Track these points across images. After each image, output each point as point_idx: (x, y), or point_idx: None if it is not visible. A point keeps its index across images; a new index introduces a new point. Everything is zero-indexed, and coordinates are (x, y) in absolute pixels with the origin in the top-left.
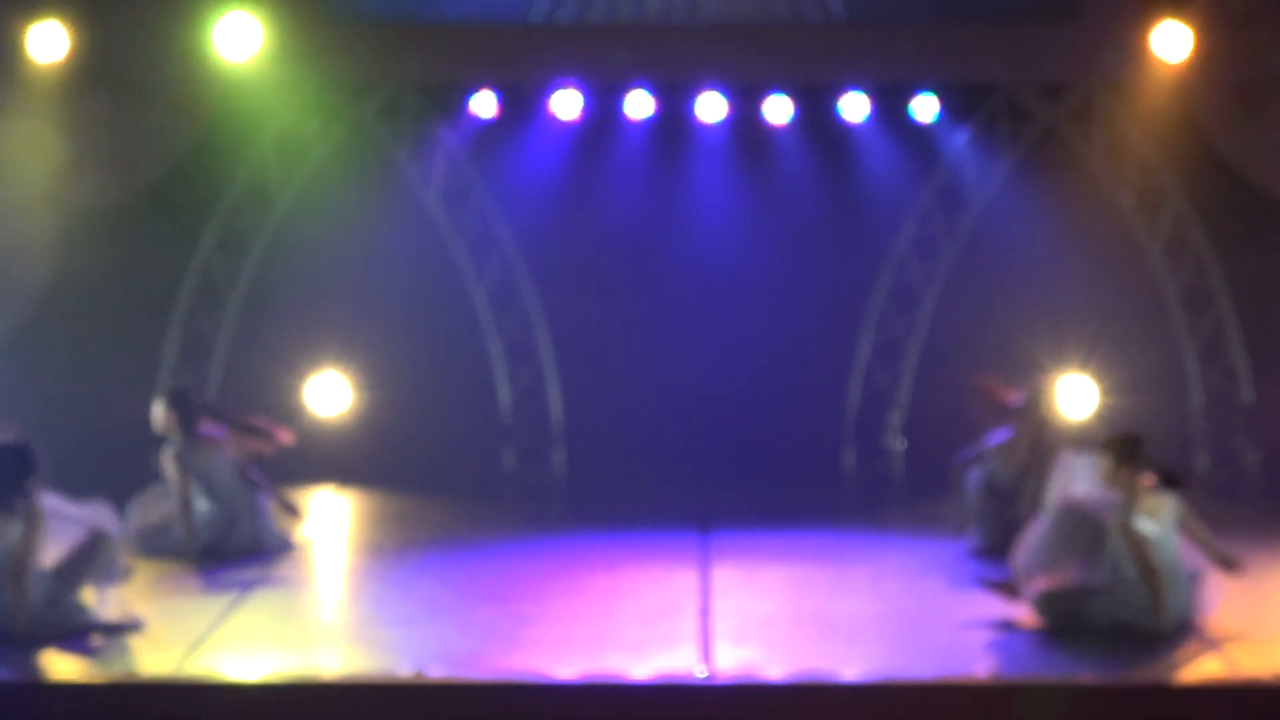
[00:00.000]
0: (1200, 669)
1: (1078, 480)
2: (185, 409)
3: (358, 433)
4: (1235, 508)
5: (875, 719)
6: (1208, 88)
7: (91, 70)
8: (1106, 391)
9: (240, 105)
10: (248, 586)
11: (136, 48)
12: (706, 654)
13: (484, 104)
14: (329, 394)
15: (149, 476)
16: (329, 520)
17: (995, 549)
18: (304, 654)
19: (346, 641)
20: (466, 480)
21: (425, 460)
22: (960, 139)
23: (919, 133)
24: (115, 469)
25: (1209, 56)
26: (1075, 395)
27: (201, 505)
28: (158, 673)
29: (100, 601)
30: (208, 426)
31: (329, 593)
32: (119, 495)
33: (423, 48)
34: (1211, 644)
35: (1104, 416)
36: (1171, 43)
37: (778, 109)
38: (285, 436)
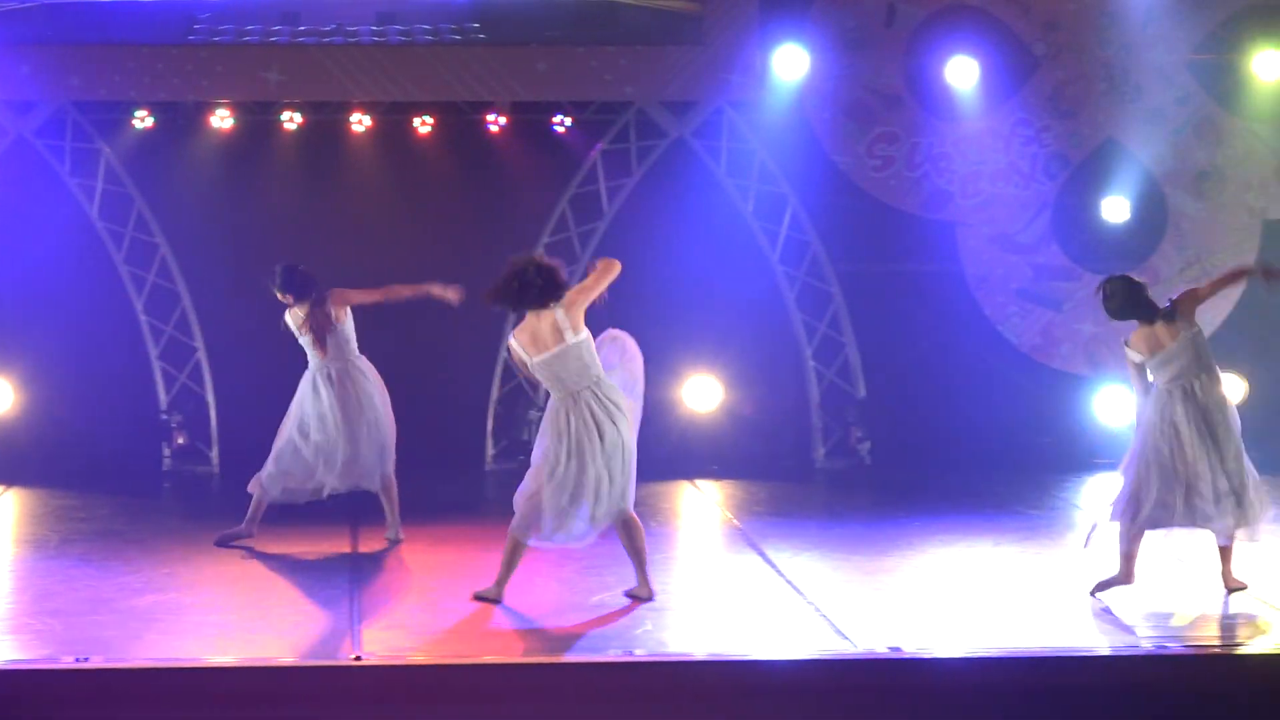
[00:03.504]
0: None
1: None
2: None
3: (20, 432)
4: (853, 496)
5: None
6: (820, 105)
7: None
8: (730, 388)
9: None
10: None
11: None
12: (356, 638)
13: (142, 118)
14: None
15: None
16: None
17: None
18: None
19: (8, 633)
20: (126, 477)
21: (86, 458)
22: (594, 151)
23: (555, 144)
24: None
25: (823, 77)
26: (702, 392)
27: None
28: None
29: None
30: None
31: None
32: None
33: (85, 67)
34: None
35: (730, 411)
36: (789, 64)
37: (423, 121)
38: None
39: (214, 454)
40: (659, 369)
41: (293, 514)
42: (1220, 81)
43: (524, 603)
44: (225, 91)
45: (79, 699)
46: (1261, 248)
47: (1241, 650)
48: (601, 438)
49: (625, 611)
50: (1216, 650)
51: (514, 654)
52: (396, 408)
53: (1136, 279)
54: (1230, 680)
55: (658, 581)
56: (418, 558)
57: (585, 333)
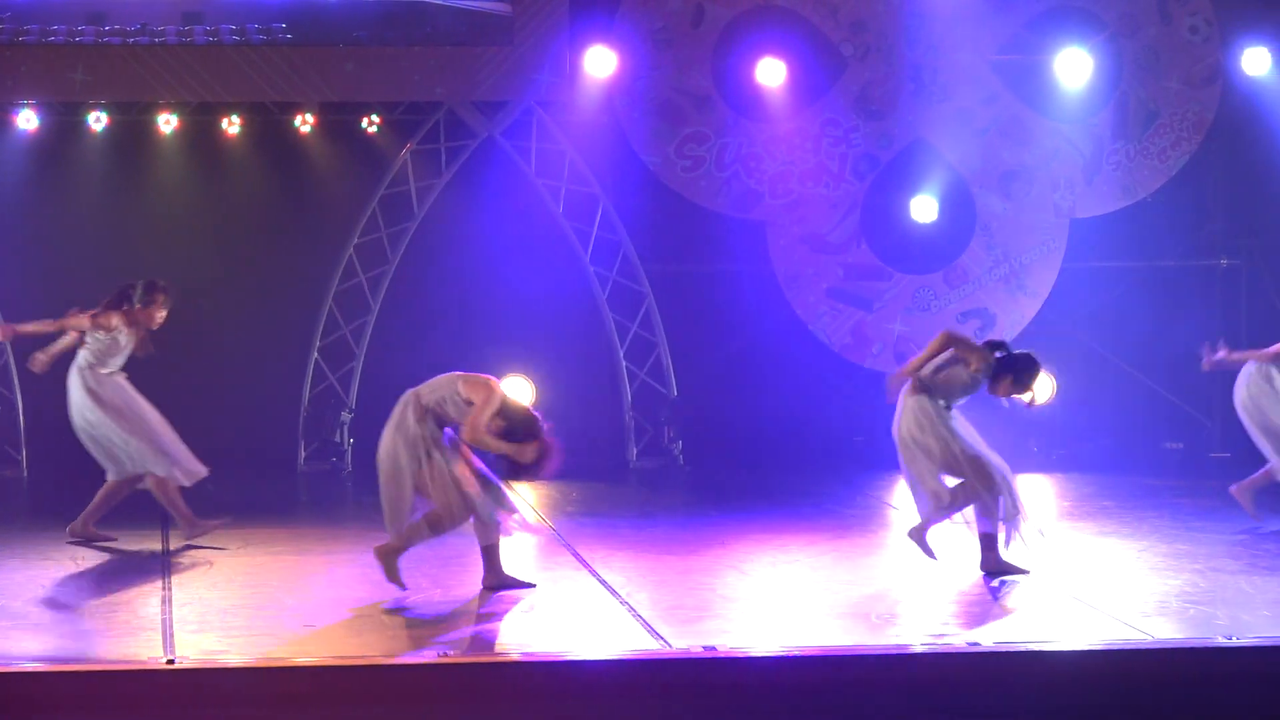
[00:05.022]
0: None
1: None
2: None
3: None
4: (666, 495)
5: (330, 698)
6: (630, 105)
7: None
8: (543, 388)
9: None
10: None
11: None
12: (168, 641)
13: None
14: None
15: None
16: None
17: None
18: None
19: None
20: None
21: None
22: (403, 151)
23: (365, 145)
24: None
25: (631, 76)
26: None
27: None
28: None
29: None
30: None
31: None
32: None
33: None
34: None
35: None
36: (598, 64)
37: (230, 122)
38: None
39: (23, 457)
40: (471, 369)
41: (108, 517)
42: (1026, 82)
43: (340, 605)
44: (30, 91)
45: None
46: (1068, 246)
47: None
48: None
49: (445, 611)
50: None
51: (331, 656)
52: (211, 409)
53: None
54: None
55: (471, 582)
56: (231, 560)
57: None
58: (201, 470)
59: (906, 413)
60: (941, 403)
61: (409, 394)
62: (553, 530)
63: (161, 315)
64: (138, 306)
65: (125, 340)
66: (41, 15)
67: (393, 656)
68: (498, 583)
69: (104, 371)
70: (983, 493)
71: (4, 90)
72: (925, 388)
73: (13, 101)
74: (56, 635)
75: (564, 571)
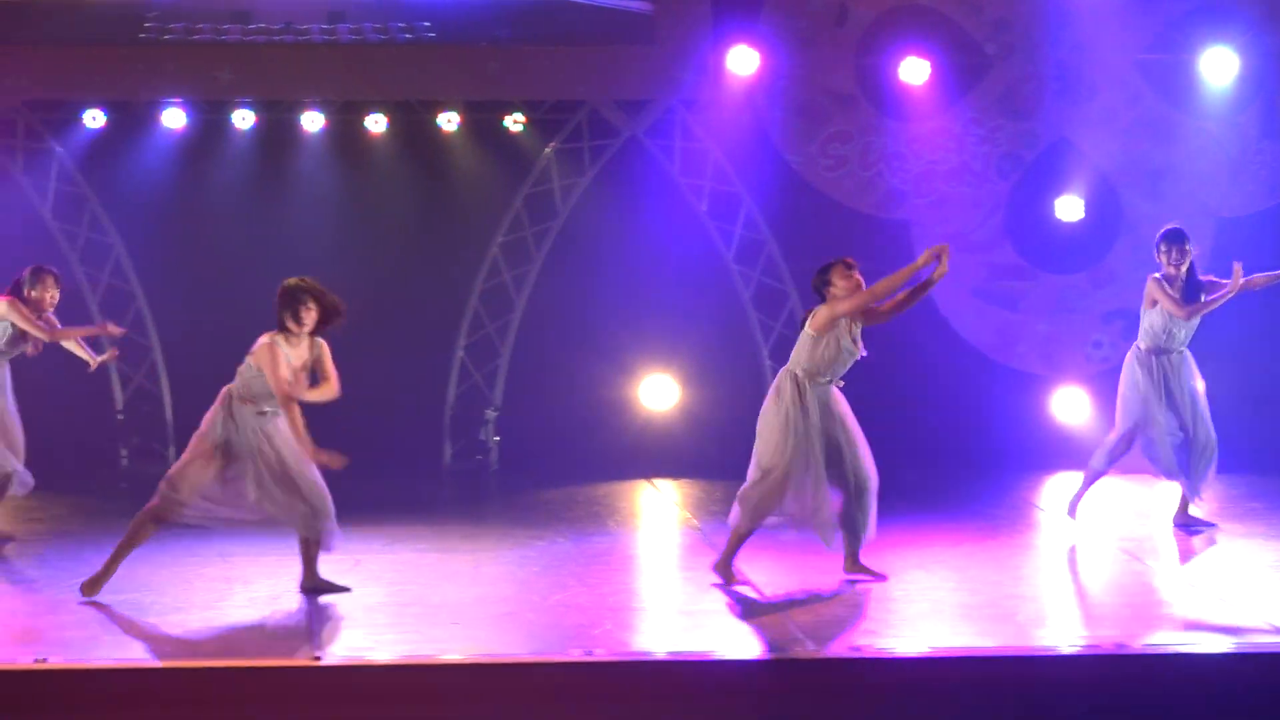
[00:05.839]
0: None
1: None
2: None
3: None
4: None
5: (475, 695)
6: (773, 104)
7: None
8: (687, 387)
9: None
10: None
11: None
12: (314, 638)
13: (94, 117)
14: None
15: None
16: None
17: None
18: None
19: None
20: (82, 477)
21: (42, 458)
22: (547, 150)
23: (509, 144)
24: None
25: (775, 75)
26: (659, 392)
27: None
28: None
29: None
30: None
31: None
32: None
33: (34, 66)
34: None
35: (687, 410)
36: (740, 62)
37: (375, 120)
38: None
39: (170, 453)
40: (614, 369)
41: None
42: (1170, 81)
43: (486, 602)
44: (177, 90)
45: (36, 701)
46: (1214, 246)
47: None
48: None
49: (591, 610)
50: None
51: (476, 654)
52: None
53: None
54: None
55: (616, 581)
56: (376, 558)
57: None
58: (30, 483)
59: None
60: None
61: (223, 390)
62: (697, 530)
63: (53, 295)
64: (28, 292)
65: (12, 330)
66: (187, 14)
67: (538, 655)
68: (313, 586)
69: None
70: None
71: (151, 89)
72: None
73: (160, 100)
74: (204, 632)
75: (709, 573)
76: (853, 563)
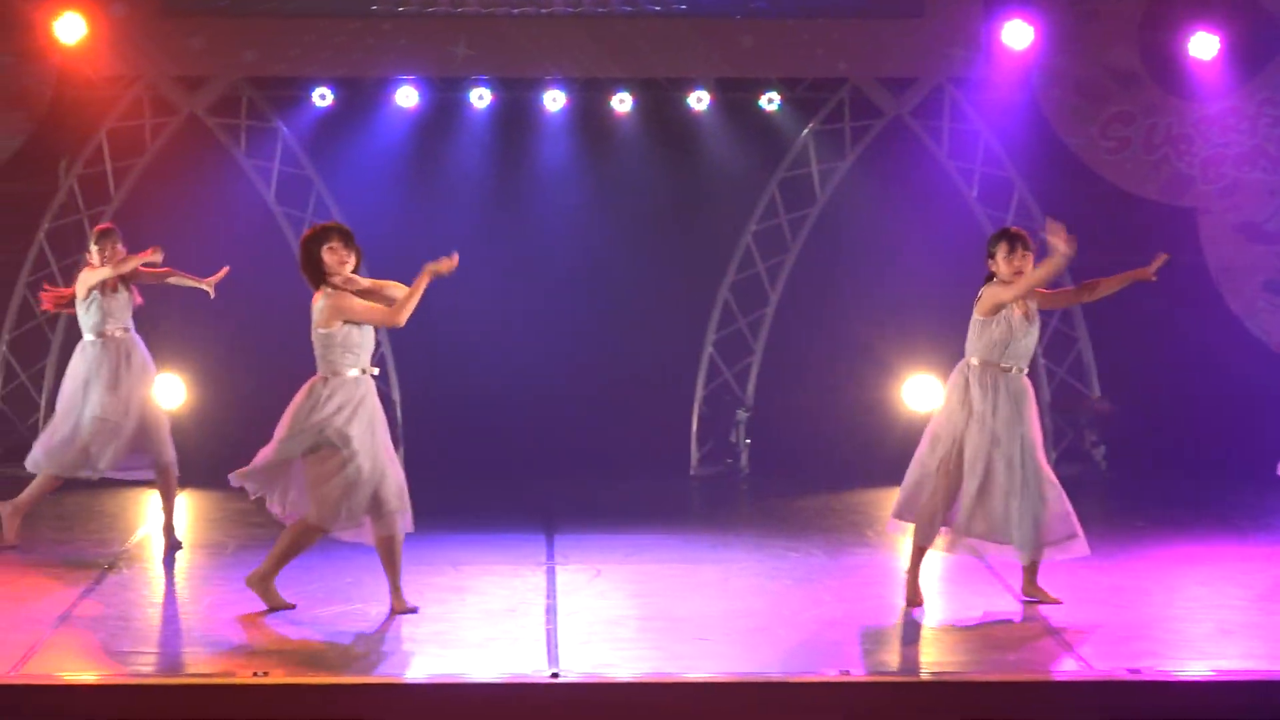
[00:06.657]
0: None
1: None
2: None
3: (192, 431)
4: (1084, 504)
5: (721, 716)
6: (1050, 82)
7: None
8: None
9: (73, 99)
10: None
11: None
12: (553, 653)
13: (323, 96)
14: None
15: None
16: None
17: None
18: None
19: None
20: None
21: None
22: (805, 131)
23: (764, 124)
24: None
25: (1051, 51)
26: (923, 393)
27: None
28: None
29: None
30: None
31: None
32: None
33: (259, 40)
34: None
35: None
36: (1014, 37)
37: (620, 99)
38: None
39: (400, 454)
40: (874, 367)
41: (485, 523)
42: None
43: (735, 617)
44: (410, 66)
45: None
46: None
47: None
48: None
49: (839, 628)
50: None
51: (724, 673)
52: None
53: None
54: None
55: (872, 598)
56: (618, 572)
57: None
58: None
59: None
60: None
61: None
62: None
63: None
64: (98, 257)
65: (100, 297)
66: None
67: (790, 675)
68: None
69: None
70: None
71: (383, 66)
72: None
73: (392, 77)
74: (439, 645)
75: (979, 587)
76: (1031, 584)
